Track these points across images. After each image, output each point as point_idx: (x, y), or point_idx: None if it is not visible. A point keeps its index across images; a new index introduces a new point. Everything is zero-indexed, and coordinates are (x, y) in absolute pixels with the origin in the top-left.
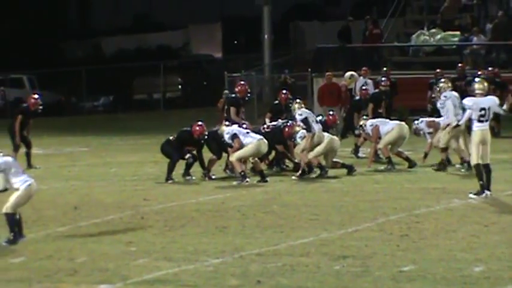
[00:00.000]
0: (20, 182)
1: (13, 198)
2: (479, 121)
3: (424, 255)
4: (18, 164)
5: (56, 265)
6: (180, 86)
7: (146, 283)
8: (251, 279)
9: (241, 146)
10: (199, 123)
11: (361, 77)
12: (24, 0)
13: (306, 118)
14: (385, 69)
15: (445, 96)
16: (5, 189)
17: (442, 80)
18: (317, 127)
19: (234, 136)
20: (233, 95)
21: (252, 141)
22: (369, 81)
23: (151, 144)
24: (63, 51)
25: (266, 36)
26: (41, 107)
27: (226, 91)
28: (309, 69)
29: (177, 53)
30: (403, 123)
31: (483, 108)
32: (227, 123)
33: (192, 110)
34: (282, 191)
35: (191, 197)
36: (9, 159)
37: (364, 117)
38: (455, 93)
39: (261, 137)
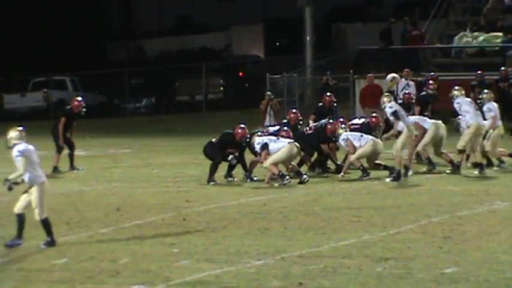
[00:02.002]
0: (28, 178)
1: (36, 203)
2: None
3: (467, 257)
4: (37, 157)
5: (99, 266)
6: (222, 88)
7: (188, 284)
8: (293, 281)
9: (268, 155)
10: (242, 125)
11: (403, 79)
12: (68, 2)
13: (396, 111)
14: (432, 73)
15: (458, 103)
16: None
17: (456, 87)
18: (410, 119)
19: (264, 146)
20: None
21: (284, 145)
22: (411, 82)
23: (193, 146)
24: (106, 53)
25: (308, 37)
26: (84, 109)
27: (268, 92)
28: (351, 71)
29: (219, 54)
30: (439, 122)
31: None
32: (259, 133)
33: (234, 111)
34: (323, 193)
35: (233, 198)
36: (32, 147)
37: None
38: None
39: (292, 140)
